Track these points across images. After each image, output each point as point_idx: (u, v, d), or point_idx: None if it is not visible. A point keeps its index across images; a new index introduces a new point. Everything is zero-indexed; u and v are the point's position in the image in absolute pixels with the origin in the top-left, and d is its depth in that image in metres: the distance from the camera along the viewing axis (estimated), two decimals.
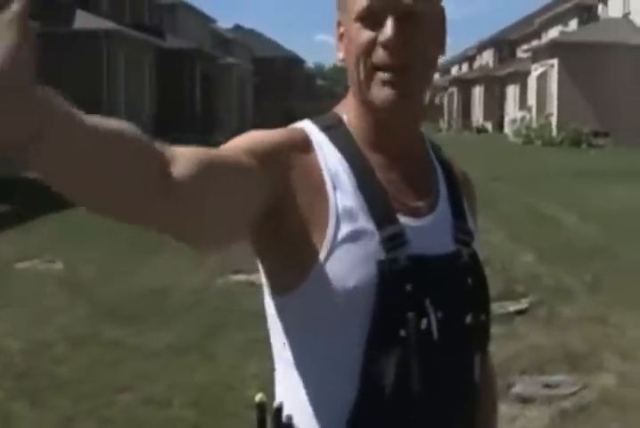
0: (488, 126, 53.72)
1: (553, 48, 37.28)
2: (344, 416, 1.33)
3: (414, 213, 1.39)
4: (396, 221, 1.35)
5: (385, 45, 1.33)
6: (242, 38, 57.51)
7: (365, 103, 1.40)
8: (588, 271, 8.74)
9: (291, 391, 1.40)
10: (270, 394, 1.43)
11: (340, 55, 1.44)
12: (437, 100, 73.04)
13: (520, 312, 7.23)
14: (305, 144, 1.39)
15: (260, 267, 1.42)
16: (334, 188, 1.35)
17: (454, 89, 63.26)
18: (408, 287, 1.32)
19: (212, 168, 1.18)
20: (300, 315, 1.36)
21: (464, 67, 72.41)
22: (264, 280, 1.43)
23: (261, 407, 1.37)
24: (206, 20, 46.71)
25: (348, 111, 1.45)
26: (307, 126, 1.43)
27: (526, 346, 6.30)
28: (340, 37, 1.44)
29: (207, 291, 8.08)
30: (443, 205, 1.46)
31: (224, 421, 4.88)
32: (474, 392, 1.45)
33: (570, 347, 6.25)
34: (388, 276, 1.31)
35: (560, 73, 36.73)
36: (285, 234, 1.33)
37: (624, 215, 12.98)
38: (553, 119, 36.59)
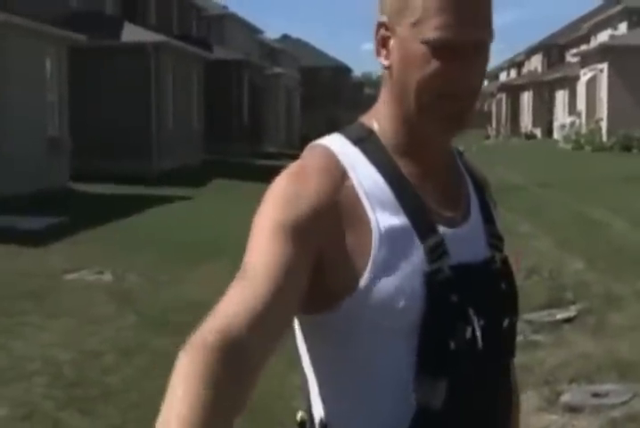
0: (537, 132, 53.24)
1: (603, 52, 36.87)
2: None
3: (451, 222, 1.40)
4: (436, 232, 1.35)
5: (461, 79, 1.33)
6: (290, 48, 57.75)
7: (419, 128, 1.39)
8: (638, 278, 8.62)
9: (335, 408, 1.40)
10: (297, 406, 1.46)
11: (386, 62, 1.39)
12: (485, 106, 72.61)
13: (568, 320, 7.17)
14: (336, 175, 1.36)
15: None
16: (373, 209, 1.34)
17: (502, 95, 62.84)
18: (454, 297, 1.33)
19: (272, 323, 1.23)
20: (342, 331, 1.36)
21: (513, 73, 71.92)
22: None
23: (302, 426, 1.42)
24: (253, 30, 46.97)
25: (379, 120, 1.43)
26: (337, 141, 1.41)
27: (575, 354, 6.23)
28: (384, 41, 1.39)
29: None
30: (475, 212, 1.46)
31: None
32: (512, 394, 1.49)
33: (619, 355, 6.16)
34: (434, 287, 1.32)
35: (609, 77, 36.30)
36: (329, 265, 1.33)
37: None
38: (603, 125, 36.15)
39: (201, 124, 30.32)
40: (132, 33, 23.99)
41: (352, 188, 1.34)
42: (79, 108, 21.34)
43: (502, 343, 1.42)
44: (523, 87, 58.19)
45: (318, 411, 1.41)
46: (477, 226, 1.44)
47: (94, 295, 8.40)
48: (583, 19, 56.16)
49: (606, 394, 5.40)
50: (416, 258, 1.33)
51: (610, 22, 45.99)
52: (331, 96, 67.23)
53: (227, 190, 20.11)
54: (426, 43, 1.32)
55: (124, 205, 16.35)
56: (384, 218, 1.33)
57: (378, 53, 1.40)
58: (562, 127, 43.74)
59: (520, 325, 6.08)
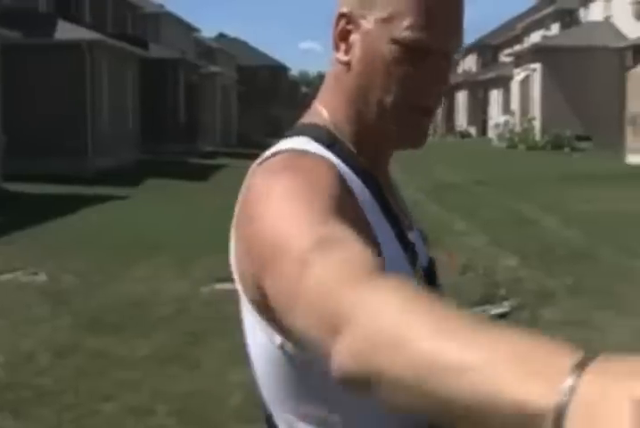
0: (472, 130, 53.90)
1: (536, 52, 37.47)
2: None
3: (409, 228, 1.35)
4: (410, 241, 1.30)
5: (433, 89, 1.25)
6: (226, 47, 57.54)
7: (378, 133, 1.29)
8: (570, 274, 8.80)
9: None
10: (252, 402, 1.40)
11: (345, 58, 1.26)
12: None
13: (502, 316, 7.27)
14: (339, 174, 1.20)
15: (266, 323, 1.18)
16: (372, 222, 1.22)
17: None
18: None
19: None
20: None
21: None
22: (273, 337, 1.19)
23: None
24: (189, 29, 46.70)
25: (336, 122, 1.29)
26: (312, 145, 1.24)
27: None
28: (344, 34, 1.26)
29: (191, 299, 8.10)
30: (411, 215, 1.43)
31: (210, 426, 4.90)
32: None
33: None
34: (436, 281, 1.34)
35: (542, 77, 36.92)
36: None
37: (605, 218, 13.07)
38: (537, 123, 36.76)
39: (136, 123, 30.07)
40: (66, 31, 23.68)
41: (360, 209, 1.21)
42: (13, 106, 21.00)
43: None
44: (458, 87, 58.82)
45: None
46: (417, 230, 1.39)
47: (29, 296, 8.30)
48: (517, 19, 56.99)
49: None
50: (405, 264, 1.26)
51: (543, 23, 46.76)
52: (268, 95, 67.16)
53: (163, 189, 19.99)
54: (396, 43, 1.21)
55: (59, 205, 16.14)
56: (380, 235, 1.22)
57: (336, 48, 1.26)
58: (497, 125, 44.36)
59: None
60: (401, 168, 25.28)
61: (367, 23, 1.23)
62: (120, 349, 6.41)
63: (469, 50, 63.02)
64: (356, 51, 1.24)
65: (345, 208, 1.09)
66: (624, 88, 28.42)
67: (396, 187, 1.41)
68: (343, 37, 1.25)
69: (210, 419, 5.03)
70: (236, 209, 1.21)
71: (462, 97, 58.10)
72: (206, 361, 6.15)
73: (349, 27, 1.25)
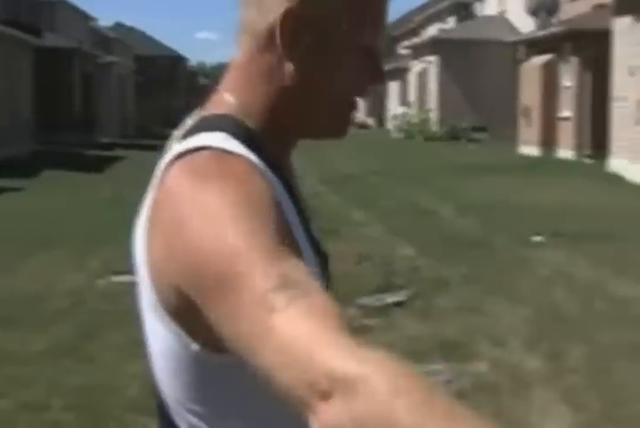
0: (371, 122, 54.39)
1: (432, 45, 38.03)
2: None
3: (310, 219, 1.32)
4: (319, 243, 1.30)
5: (369, 85, 1.27)
6: (123, 37, 56.61)
7: (310, 127, 1.29)
8: (464, 263, 9.00)
9: None
10: (149, 394, 1.38)
11: (288, 53, 1.20)
12: None
13: (398, 304, 7.39)
14: (267, 184, 1.14)
15: (182, 332, 1.16)
16: (289, 220, 1.17)
17: None
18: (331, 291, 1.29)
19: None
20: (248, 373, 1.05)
21: None
22: (189, 344, 1.16)
23: None
24: (85, 17, 45.78)
25: (251, 114, 1.24)
26: (232, 142, 1.17)
27: (403, 337, 6.44)
28: (287, 27, 1.19)
29: (87, 292, 7.98)
30: None
31: (105, 423, 4.85)
32: None
33: (445, 336, 6.43)
34: (329, 275, 1.34)
35: (439, 69, 37.50)
36: None
37: (499, 207, 13.39)
38: (434, 115, 37.34)
39: (30, 113, 29.36)
40: None
41: (284, 214, 1.15)
42: None
43: None
44: None
45: None
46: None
47: None
48: (414, 12, 57.65)
49: (432, 374, 5.61)
50: (312, 258, 1.21)
51: (439, 16, 47.47)
52: (166, 86, 66.39)
53: (59, 181, 19.60)
54: (360, 48, 1.22)
55: None
56: (302, 245, 1.18)
57: (282, 42, 1.20)
58: (395, 117, 44.86)
59: (351, 311, 6.22)
60: (300, 159, 25.39)
61: (323, 23, 1.21)
62: (13, 344, 6.28)
63: None
64: (307, 51, 1.21)
65: (280, 221, 1.07)
66: (517, 81, 29.11)
67: (297, 178, 1.38)
68: (284, 31, 1.19)
69: (107, 412, 4.98)
70: (150, 204, 1.16)
71: None
72: (102, 354, 6.08)
73: (298, 24, 1.19)
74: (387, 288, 7.82)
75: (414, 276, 8.42)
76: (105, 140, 38.97)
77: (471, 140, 33.50)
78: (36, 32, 30.70)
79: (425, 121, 37.26)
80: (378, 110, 53.16)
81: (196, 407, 1.20)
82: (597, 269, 8.68)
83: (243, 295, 0.96)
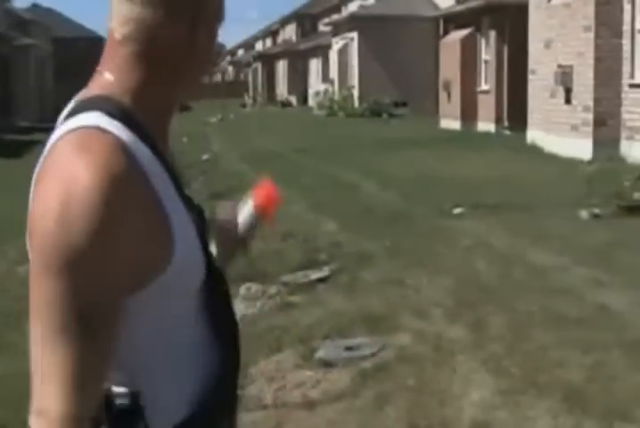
0: (293, 99, 54.27)
1: (352, 22, 38.05)
2: (195, 393, 1.44)
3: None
4: (202, 213, 1.50)
5: (216, 57, 1.53)
6: (40, 18, 55.31)
7: (174, 97, 1.46)
8: (387, 236, 9.06)
9: (146, 377, 1.40)
10: None
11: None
12: (242, 76, 72.95)
13: (322, 280, 7.42)
14: (140, 182, 1.30)
15: None
16: (166, 203, 1.33)
17: (258, 64, 63.47)
18: (216, 263, 1.51)
19: None
20: (152, 305, 1.37)
21: (268, 42, 72.73)
22: None
23: (108, 398, 1.35)
24: None
25: (129, 93, 1.38)
26: (110, 125, 1.32)
27: (328, 312, 6.48)
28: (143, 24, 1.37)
29: (7, 279, 7.84)
30: None
31: (25, 412, 4.77)
32: None
33: (369, 310, 6.48)
34: (209, 256, 1.46)
35: (359, 46, 37.56)
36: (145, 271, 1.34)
37: (419, 181, 13.51)
38: (355, 91, 37.41)
39: None
40: None
41: (151, 187, 1.32)
42: None
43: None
44: (278, 56, 59.03)
45: (130, 382, 1.38)
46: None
47: None
48: None
49: (357, 347, 5.66)
50: (195, 234, 1.40)
51: None
52: (86, 68, 64.99)
53: None
54: (195, 34, 1.40)
55: None
56: (165, 192, 1.34)
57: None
58: (317, 94, 44.87)
59: (276, 287, 6.22)
60: (220, 138, 25.23)
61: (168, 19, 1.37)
62: None
63: (288, 19, 63.26)
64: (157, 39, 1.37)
65: (139, 222, 1.27)
66: (437, 56, 29.31)
67: (172, 151, 1.50)
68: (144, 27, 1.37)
69: (27, 401, 4.89)
70: (34, 180, 1.32)
71: (282, 67, 58.35)
72: (24, 342, 5.97)
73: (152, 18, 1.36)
74: (311, 264, 7.84)
75: (338, 251, 8.45)
76: (23, 124, 38.16)
77: (392, 115, 33.66)
78: None
79: (347, 98, 37.31)
80: (300, 87, 53.06)
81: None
82: (515, 239, 8.83)
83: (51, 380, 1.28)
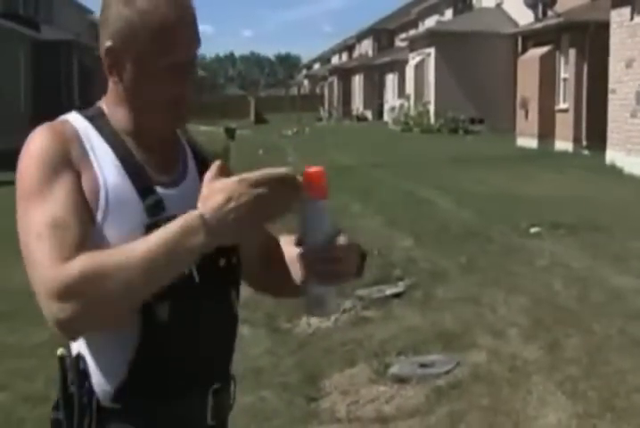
0: (368, 114, 54.31)
1: (430, 37, 37.96)
2: (127, 357, 1.63)
3: (168, 185, 1.70)
4: (154, 192, 1.66)
5: (185, 85, 1.71)
6: None
7: (148, 122, 1.72)
8: (462, 254, 9.01)
9: (87, 338, 1.65)
10: None
11: (116, 79, 1.71)
12: (317, 89, 73.29)
13: (397, 295, 7.41)
14: (72, 135, 1.67)
15: None
16: (100, 167, 1.64)
17: (334, 78, 63.68)
18: None
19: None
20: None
21: (344, 56, 72.96)
22: None
23: (62, 361, 1.68)
24: (83, 10, 45.69)
25: (111, 106, 1.77)
26: (73, 116, 1.74)
27: (402, 328, 6.46)
28: (114, 61, 1.71)
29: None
30: (192, 176, 1.76)
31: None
32: (235, 318, 1.81)
33: (444, 327, 6.45)
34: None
35: (436, 62, 37.44)
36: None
37: (496, 199, 13.40)
38: (431, 107, 37.27)
39: (28, 107, 29.33)
40: None
41: (84, 148, 1.66)
42: None
43: (220, 278, 1.72)
44: (354, 70, 59.14)
45: (77, 345, 1.68)
46: (193, 187, 1.65)
47: None
48: (412, 4, 57.49)
49: (432, 364, 5.64)
50: (138, 212, 1.62)
51: (437, 8, 47.34)
52: None
53: None
54: (153, 68, 1.65)
55: None
56: (110, 176, 1.63)
57: (110, 73, 1.72)
58: (392, 109, 44.82)
59: (351, 302, 6.21)
60: (298, 153, 25.35)
61: (130, 55, 1.66)
62: (12, 338, 6.30)
63: (365, 34, 63.39)
64: (127, 74, 1.68)
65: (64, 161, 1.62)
66: (515, 73, 29.07)
67: (177, 154, 1.79)
68: (114, 64, 1.69)
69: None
70: None
71: (358, 81, 58.45)
72: None
73: (118, 56, 1.68)
74: (385, 279, 7.84)
75: (413, 267, 8.43)
76: None
77: (468, 132, 33.47)
78: (35, 25, 30.66)
79: (423, 113, 37.20)
80: (376, 102, 53.10)
81: None
82: (594, 260, 8.71)
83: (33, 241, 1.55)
